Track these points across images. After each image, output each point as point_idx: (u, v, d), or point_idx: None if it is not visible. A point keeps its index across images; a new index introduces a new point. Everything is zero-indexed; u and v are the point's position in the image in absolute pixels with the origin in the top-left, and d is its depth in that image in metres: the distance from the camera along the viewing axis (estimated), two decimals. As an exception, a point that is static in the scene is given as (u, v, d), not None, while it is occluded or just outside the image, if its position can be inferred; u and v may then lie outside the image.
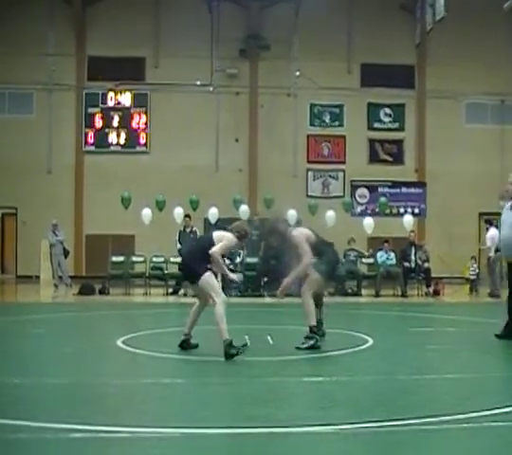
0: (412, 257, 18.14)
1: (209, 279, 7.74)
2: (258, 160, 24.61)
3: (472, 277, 18.96)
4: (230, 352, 7.23)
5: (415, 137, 25.36)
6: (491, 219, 19.81)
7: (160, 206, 19.55)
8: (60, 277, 19.82)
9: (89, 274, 22.18)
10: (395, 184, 25.16)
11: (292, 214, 18.70)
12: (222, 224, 19.06)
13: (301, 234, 8.40)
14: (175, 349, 8.02)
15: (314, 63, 23.97)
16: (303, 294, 8.26)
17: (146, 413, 5.05)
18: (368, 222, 19.83)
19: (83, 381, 6.26)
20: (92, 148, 24.53)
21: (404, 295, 17.56)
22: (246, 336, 8.62)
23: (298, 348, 8.02)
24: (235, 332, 9.38)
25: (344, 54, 25.03)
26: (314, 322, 8.16)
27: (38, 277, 20.83)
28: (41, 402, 5.36)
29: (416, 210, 24.82)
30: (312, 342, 8.05)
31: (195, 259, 7.81)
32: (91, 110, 24.51)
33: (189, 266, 7.89)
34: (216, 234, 7.99)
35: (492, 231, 18.06)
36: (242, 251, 17.44)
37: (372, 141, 25.27)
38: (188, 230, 18.23)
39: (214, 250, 7.73)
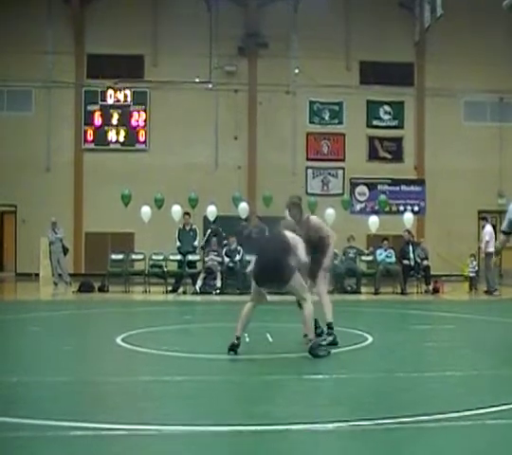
0: (411, 255, 18.14)
1: (299, 278, 7.66)
2: (257, 158, 24.61)
3: (471, 274, 18.97)
4: (318, 352, 7.35)
5: (414, 135, 25.37)
6: (487, 216, 19.90)
7: (159, 204, 19.55)
8: (59, 275, 19.82)
9: (88, 272, 22.20)
10: (395, 182, 25.17)
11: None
12: (220, 221, 19.12)
13: (317, 219, 8.63)
14: (174, 346, 8.03)
15: (313, 61, 23.96)
16: (321, 293, 8.28)
17: (146, 411, 5.06)
18: (373, 220, 19.74)
19: (83, 379, 6.27)
20: (91, 146, 24.53)
21: (403, 292, 17.57)
22: (246, 334, 8.63)
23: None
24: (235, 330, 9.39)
25: (343, 51, 25.02)
26: (331, 319, 8.19)
27: (37, 275, 20.85)
28: (41, 400, 5.37)
29: (416, 208, 24.82)
30: (331, 338, 8.11)
31: (283, 261, 7.60)
32: (90, 108, 24.50)
33: (280, 269, 7.56)
34: (289, 234, 7.81)
35: (488, 227, 18.18)
36: (241, 249, 17.45)
37: (371, 139, 25.27)
38: (187, 228, 18.24)
39: (306, 261, 7.76)
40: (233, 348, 7.45)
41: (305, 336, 8.68)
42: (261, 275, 7.74)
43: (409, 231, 18.95)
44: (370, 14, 24.88)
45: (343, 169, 25.08)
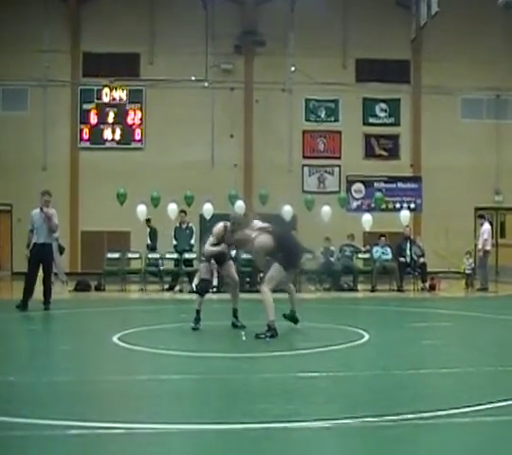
0: (408, 252, 18.15)
1: None
2: (253, 156, 24.60)
3: (468, 271, 18.99)
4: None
5: (411, 132, 25.36)
6: (485, 214, 19.93)
7: (155, 202, 19.53)
8: (55, 274, 19.72)
9: (85, 270, 22.15)
10: (391, 179, 25.17)
11: (288, 210, 18.71)
12: (216, 219, 19.09)
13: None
14: (171, 345, 8.02)
15: (309, 59, 23.92)
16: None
17: (142, 409, 5.06)
18: (367, 219, 19.76)
19: (79, 378, 6.27)
20: (87, 144, 24.50)
21: (400, 290, 17.58)
22: (243, 333, 8.64)
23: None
24: (233, 328, 9.42)
25: (339, 49, 25.00)
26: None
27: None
28: (37, 399, 5.36)
29: (412, 205, 24.83)
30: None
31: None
32: (86, 106, 24.46)
33: (301, 253, 9.38)
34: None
35: (486, 225, 18.21)
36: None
37: (367, 136, 25.27)
38: (183, 226, 18.24)
39: None
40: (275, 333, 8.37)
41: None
42: (296, 261, 9.30)
43: (409, 227, 19.00)
44: (366, 12, 24.84)
45: (339, 166, 25.08)
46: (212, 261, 9.66)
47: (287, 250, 8.81)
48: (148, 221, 19.53)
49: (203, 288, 9.73)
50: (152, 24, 24.58)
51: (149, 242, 19.42)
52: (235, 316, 9.58)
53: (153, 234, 19.42)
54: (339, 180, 25.02)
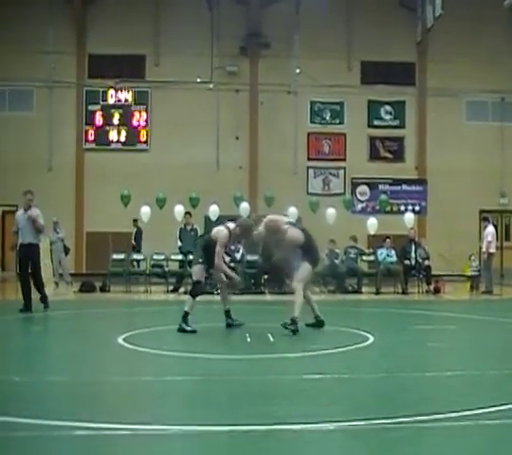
0: (413, 254, 18.13)
1: None
2: (258, 158, 24.62)
3: (473, 273, 18.96)
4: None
5: (416, 135, 25.37)
6: (489, 217, 19.92)
7: (161, 203, 19.56)
8: (60, 274, 19.82)
9: (90, 271, 22.19)
10: (396, 181, 25.17)
11: (293, 212, 18.71)
12: (222, 221, 19.11)
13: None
14: (176, 346, 8.03)
15: (314, 61, 23.95)
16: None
17: (147, 411, 5.07)
18: (372, 223, 19.72)
19: (84, 379, 6.28)
20: (92, 145, 24.56)
21: (404, 292, 17.56)
22: (247, 334, 8.64)
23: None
24: (236, 329, 9.43)
25: (344, 51, 25.03)
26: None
27: (39, 274, 20.78)
28: (42, 400, 5.37)
29: (417, 208, 24.82)
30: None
31: None
32: (91, 107, 24.55)
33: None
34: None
35: (490, 228, 18.19)
36: (241, 248, 17.44)
37: (372, 139, 25.28)
38: (188, 228, 18.27)
39: None
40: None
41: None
42: (318, 261, 9.68)
43: (414, 230, 18.99)
44: (371, 14, 24.88)
45: (344, 168, 25.09)
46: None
47: (314, 249, 9.19)
48: (135, 221, 19.66)
49: (197, 291, 9.59)
50: (157, 25, 24.64)
51: (133, 242, 19.83)
52: (228, 316, 9.64)
53: (138, 235, 19.54)
54: (344, 182, 25.03)
